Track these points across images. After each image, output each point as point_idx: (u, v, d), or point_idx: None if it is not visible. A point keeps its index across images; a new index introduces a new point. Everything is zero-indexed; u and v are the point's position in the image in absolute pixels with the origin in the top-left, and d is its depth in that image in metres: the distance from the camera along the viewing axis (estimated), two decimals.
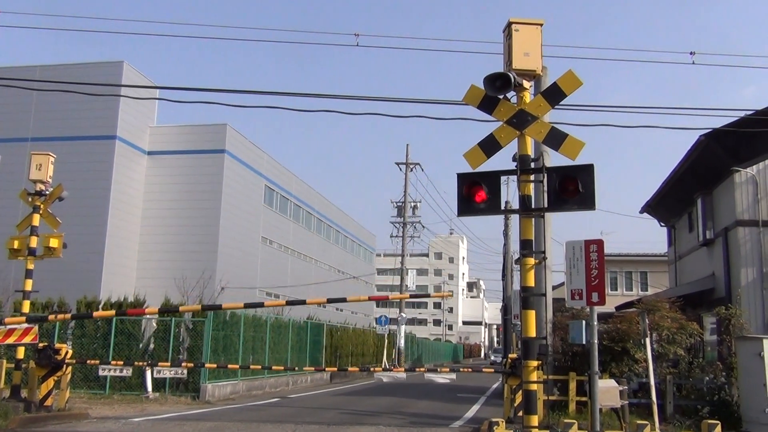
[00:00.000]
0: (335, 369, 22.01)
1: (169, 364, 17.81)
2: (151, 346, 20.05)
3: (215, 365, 17.71)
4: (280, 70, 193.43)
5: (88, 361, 16.70)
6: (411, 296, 19.51)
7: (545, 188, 8.37)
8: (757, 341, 13.58)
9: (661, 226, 26.87)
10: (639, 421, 6.90)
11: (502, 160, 13.25)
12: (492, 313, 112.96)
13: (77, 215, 27.09)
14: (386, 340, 36.16)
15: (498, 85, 8.12)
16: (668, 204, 24.48)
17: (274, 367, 20.72)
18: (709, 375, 15.94)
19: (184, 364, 17.66)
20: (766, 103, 17.46)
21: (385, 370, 14.75)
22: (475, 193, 8.53)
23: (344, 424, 13.68)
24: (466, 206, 8.60)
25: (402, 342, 40.51)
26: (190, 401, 17.71)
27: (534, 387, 7.71)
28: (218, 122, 36.79)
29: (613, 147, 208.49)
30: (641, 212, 26.95)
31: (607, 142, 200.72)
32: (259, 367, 20.24)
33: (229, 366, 18.31)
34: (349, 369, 16.51)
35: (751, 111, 16.89)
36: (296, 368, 22.77)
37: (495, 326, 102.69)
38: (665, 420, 14.46)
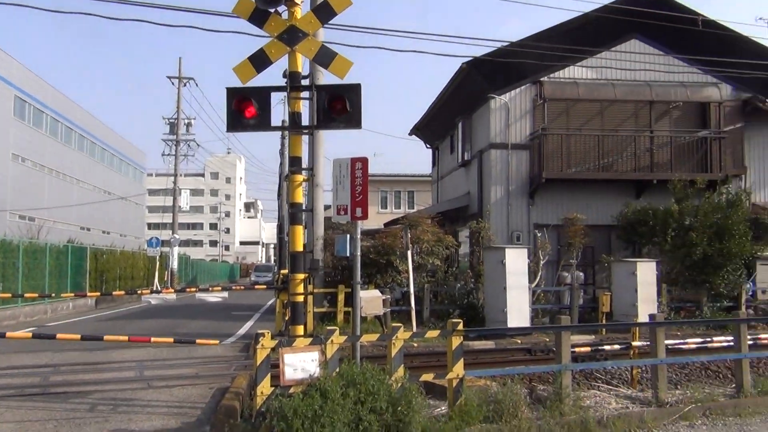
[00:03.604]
0: (98, 294, 20.88)
1: None
2: None
3: None
4: None
5: None
6: None
7: (315, 106, 8.55)
8: (501, 250, 15.40)
9: (427, 147, 28.79)
10: (395, 324, 7.58)
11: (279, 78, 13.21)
12: (270, 233, 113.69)
13: None
14: (158, 263, 35.01)
15: None
16: (433, 127, 26.21)
17: (27, 295, 19.16)
18: (461, 282, 17.83)
19: None
20: (526, 35, 19.20)
21: (154, 292, 14.37)
22: (245, 109, 8.43)
23: (109, 348, 13.22)
24: (236, 122, 8.49)
25: (175, 264, 39.55)
26: None
27: (300, 299, 8.08)
28: None
29: (388, 71, 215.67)
30: (410, 134, 28.59)
31: (382, 66, 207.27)
32: (9, 295, 18.58)
33: None
34: (114, 293, 15.79)
35: (507, 42, 18.48)
36: (53, 295, 21.27)
37: (272, 246, 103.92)
38: (422, 323, 16.01)
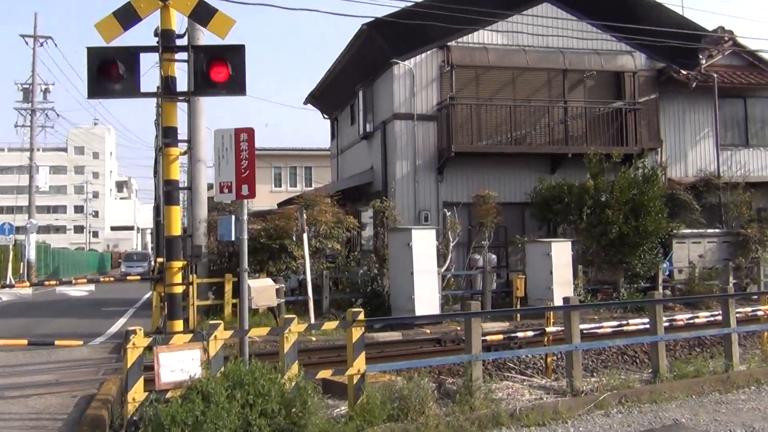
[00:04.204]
0: None
1: None
2: None
3: None
4: None
5: None
6: None
7: (193, 69, 8.30)
8: (407, 232, 15.55)
9: (325, 118, 28.61)
10: (288, 316, 7.50)
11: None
12: (147, 216, 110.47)
13: None
14: (11, 253, 33.26)
15: None
16: (332, 95, 26.05)
17: None
18: (364, 267, 17.92)
19: None
20: None
21: (6, 287, 13.63)
22: (110, 72, 8.14)
23: None
24: (99, 87, 8.22)
25: (32, 254, 37.63)
26: None
27: (178, 290, 7.88)
28: None
29: (281, 35, 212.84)
30: (305, 103, 28.30)
31: (273, 27, 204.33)
32: None
33: None
34: None
35: (411, 2, 18.52)
36: None
37: (149, 231, 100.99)
38: (322, 315, 15.99)
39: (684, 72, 21.50)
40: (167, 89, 8.19)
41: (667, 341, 10.50)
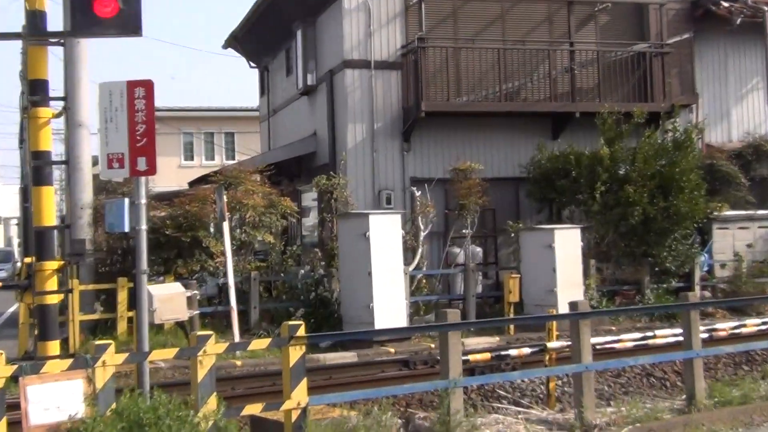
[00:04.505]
0: None
1: None
2: None
3: None
4: None
5: None
6: None
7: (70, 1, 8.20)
8: (363, 218, 15.50)
9: (252, 67, 28.39)
10: (202, 333, 7.44)
11: None
12: (11, 201, 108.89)
13: None
14: None
15: None
16: (261, 36, 25.79)
17: None
18: (306, 267, 17.87)
19: None
20: None
21: None
22: None
23: None
24: None
25: None
26: None
27: (53, 300, 7.79)
28: None
29: None
30: (225, 47, 28.07)
31: None
32: None
33: None
34: None
35: None
36: None
37: (14, 221, 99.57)
38: (249, 331, 15.91)
39: (725, 4, 21.67)
40: (34, 27, 8.07)
41: (705, 358, 10.64)
